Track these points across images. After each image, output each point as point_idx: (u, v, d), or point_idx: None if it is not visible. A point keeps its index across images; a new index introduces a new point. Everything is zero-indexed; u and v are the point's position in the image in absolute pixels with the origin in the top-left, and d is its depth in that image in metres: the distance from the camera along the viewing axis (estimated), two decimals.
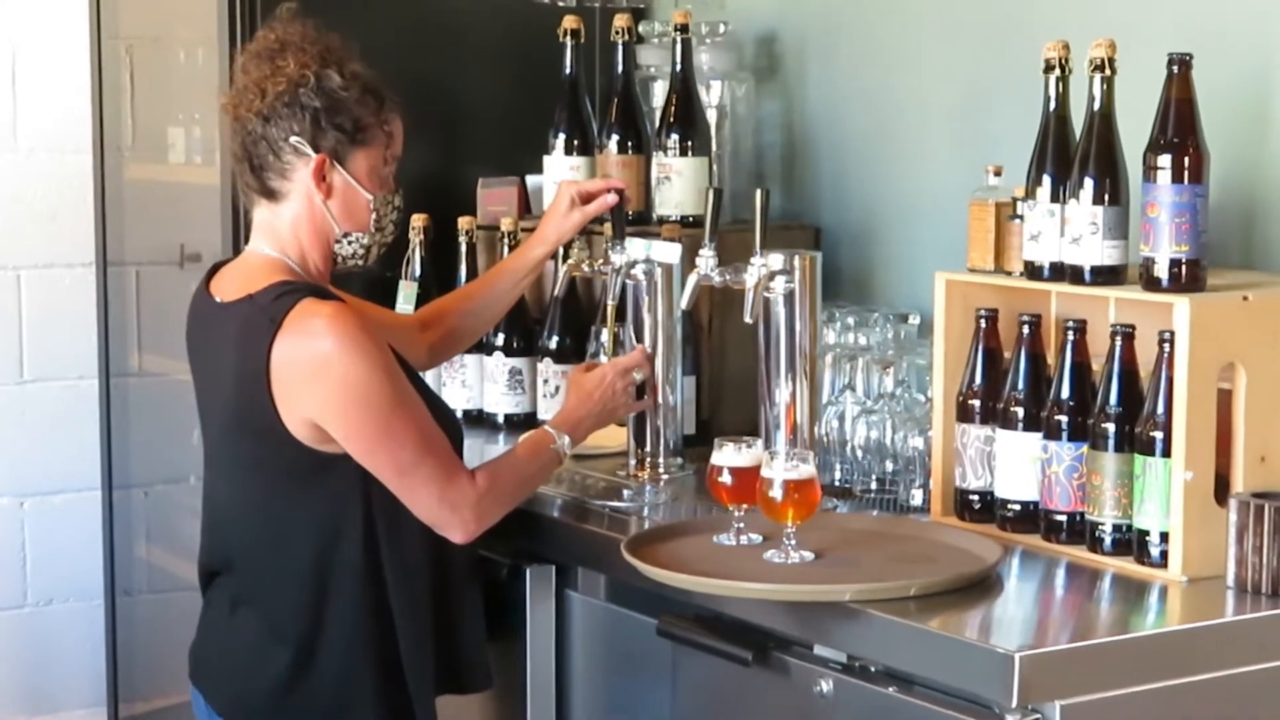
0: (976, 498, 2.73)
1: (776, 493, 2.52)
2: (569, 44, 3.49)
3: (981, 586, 2.45)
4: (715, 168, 3.42)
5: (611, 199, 3.14)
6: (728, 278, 2.91)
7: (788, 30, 3.65)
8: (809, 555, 2.53)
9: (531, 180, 3.62)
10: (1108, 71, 2.56)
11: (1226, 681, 2.30)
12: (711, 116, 3.44)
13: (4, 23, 4.17)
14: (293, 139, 2.61)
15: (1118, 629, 2.37)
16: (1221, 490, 2.46)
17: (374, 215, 2.70)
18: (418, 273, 3.48)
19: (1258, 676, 2.33)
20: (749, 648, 2.49)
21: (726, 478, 2.63)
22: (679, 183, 3.39)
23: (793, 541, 2.54)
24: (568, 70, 3.50)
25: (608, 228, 3.12)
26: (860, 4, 3.50)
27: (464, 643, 2.81)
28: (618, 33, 3.48)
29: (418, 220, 3.40)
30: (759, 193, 3.00)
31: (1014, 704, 2.13)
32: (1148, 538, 2.48)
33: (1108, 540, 2.53)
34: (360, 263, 2.76)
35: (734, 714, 2.66)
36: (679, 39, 3.40)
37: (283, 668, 2.66)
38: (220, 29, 3.56)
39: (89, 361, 4.23)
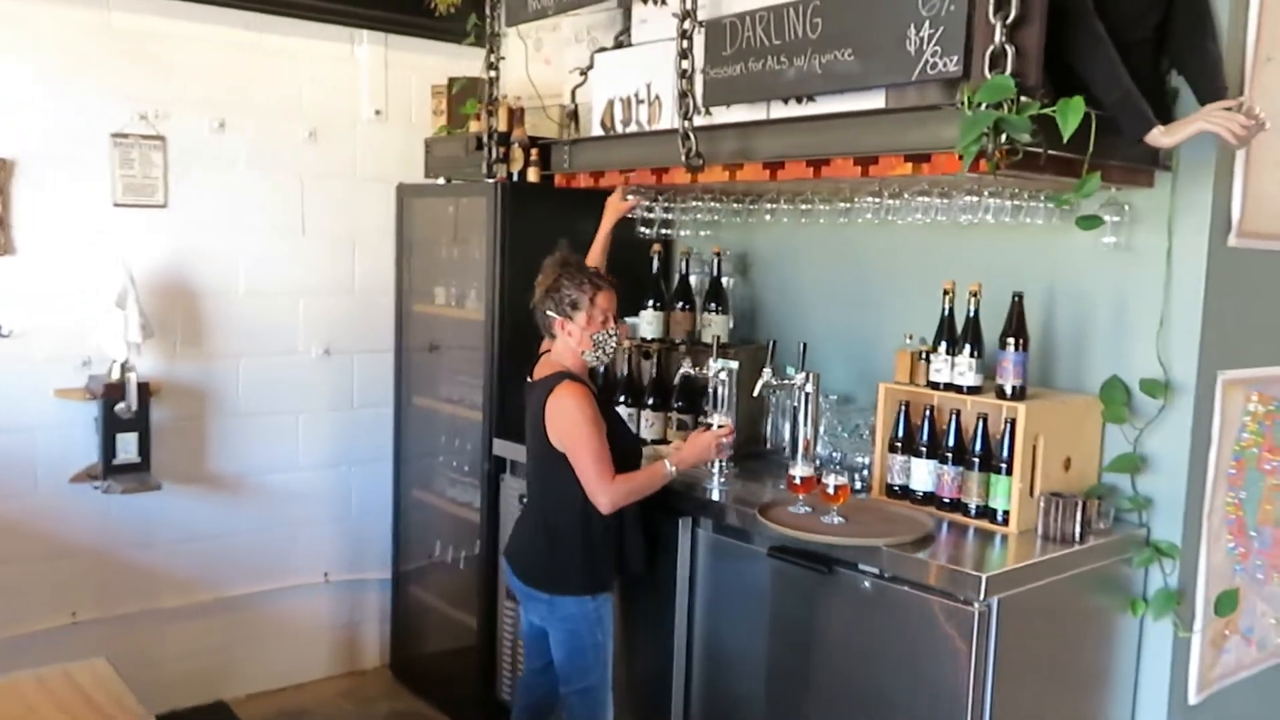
0: (898, 488, 2.67)
1: (831, 490, 2.50)
2: (655, 256, 3.46)
3: (928, 537, 2.40)
4: (729, 317, 3.39)
5: (627, 204, 3.18)
6: (777, 380, 2.88)
7: (752, 253, 3.55)
8: (841, 519, 2.49)
9: (631, 320, 3.44)
10: (978, 296, 2.58)
11: (1041, 589, 2.29)
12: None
13: (352, 230, 4.05)
14: (550, 312, 2.70)
15: (1017, 560, 2.30)
16: (1033, 490, 2.46)
17: (594, 342, 2.72)
18: None
19: (1059, 582, 2.34)
20: (824, 564, 2.43)
21: (797, 480, 2.58)
22: (715, 325, 3.33)
23: (834, 513, 2.51)
24: (654, 269, 3.47)
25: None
26: (784, 243, 3.38)
27: (629, 548, 2.76)
28: (681, 254, 3.47)
29: None
30: (771, 341, 2.99)
31: (981, 597, 2.15)
32: (998, 512, 2.47)
33: (973, 510, 2.53)
34: (598, 364, 2.81)
35: (816, 600, 2.49)
36: (714, 258, 3.39)
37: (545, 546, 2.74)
38: (488, 235, 3.49)
39: (388, 398, 4.12)
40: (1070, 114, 1.93)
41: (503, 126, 3.56)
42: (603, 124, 3.25)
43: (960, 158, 2.08)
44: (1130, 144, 2.29)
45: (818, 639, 2.51)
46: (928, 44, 2.10)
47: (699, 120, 2.81)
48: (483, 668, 3.64)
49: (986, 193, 2.52)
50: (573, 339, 2.73)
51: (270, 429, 3.93)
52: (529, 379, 2.82)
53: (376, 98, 4.02)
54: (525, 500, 2.85)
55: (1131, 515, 2.60)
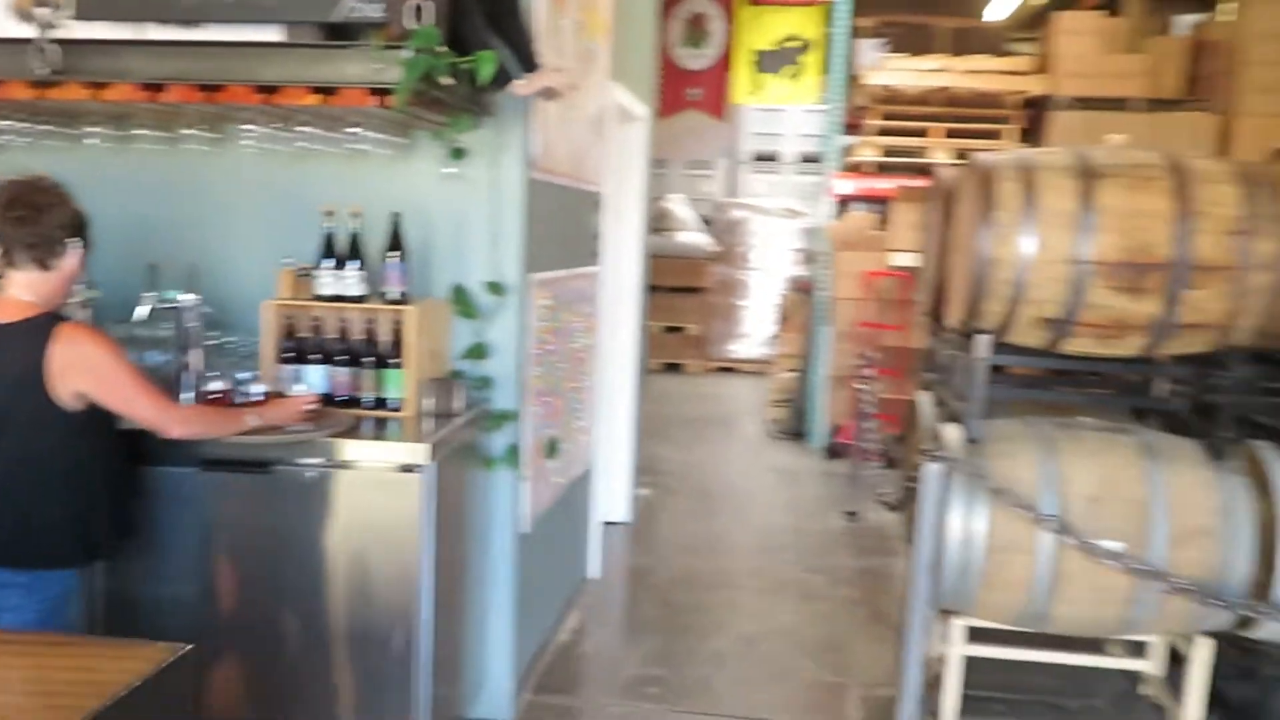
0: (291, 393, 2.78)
1: (260, 399, 2.65)
2: None
3: (355, 427, 2.72)
4: None
5: None
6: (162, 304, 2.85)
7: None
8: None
9: None
10: (361, 217, 2.86)
11: (449, 454, 2.66)
12: None
13: None
14: (60, 231, 2.36)
15: (424, 436, 2.68)
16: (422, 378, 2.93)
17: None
18: None
19: (454, 449, 2.74)
20: (262, 466, 2.59)
21: (216, 396, 2.67)
22: None
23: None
24: None
25: None
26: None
27: (128, 505, 2.55)
28: None
29: None
30: (151, 265, 2.92)
31: (425, 464, 2.56)
32: (388, 401, 2.88)
33: (369, 402, 2.89)
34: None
35: (260, 512, 2.64)
36: None
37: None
38: None
39: None
40: (486, 64, 2.44)
41: None
42: None
43: (375, 92, 2.46)
44: (474, 93, 2.88)
45: (269, 551, 2.66)
46: None
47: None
48: None
49: (370, 125, 2.88)
50: (74, 271, 2.43)
51: None
52: None
53: None
54: None
55: (478, 392, 3.23)
